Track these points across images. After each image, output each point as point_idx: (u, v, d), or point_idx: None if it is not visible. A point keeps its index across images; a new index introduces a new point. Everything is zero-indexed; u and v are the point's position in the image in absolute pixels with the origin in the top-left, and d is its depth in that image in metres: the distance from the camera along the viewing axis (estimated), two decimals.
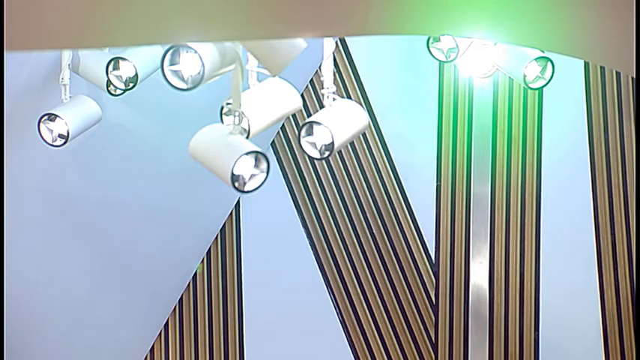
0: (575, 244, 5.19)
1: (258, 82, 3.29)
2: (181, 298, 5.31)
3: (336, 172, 5.21)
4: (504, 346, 5.26)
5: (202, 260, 5.29)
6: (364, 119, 3.48)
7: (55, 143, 3.85)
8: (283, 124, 5.15)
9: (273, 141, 5.19)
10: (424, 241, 5.24)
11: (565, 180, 5.14)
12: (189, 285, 5.30)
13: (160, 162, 4.61)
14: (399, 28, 2.60)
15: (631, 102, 5.04)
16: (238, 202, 5.25)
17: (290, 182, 5.22)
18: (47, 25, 2.19)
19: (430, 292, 5.27)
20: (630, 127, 5.04)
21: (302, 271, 5.30)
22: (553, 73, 3.77)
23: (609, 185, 5.11)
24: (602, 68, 5.01)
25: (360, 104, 4.43)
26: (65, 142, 3.84)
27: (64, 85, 3.89)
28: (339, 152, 5.17)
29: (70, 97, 3.91)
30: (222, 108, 3.14)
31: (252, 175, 2.99)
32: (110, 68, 3.78)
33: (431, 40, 3.81)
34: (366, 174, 5.19)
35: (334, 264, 5.28)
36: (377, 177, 5.19)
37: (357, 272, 5.28)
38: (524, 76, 3.76)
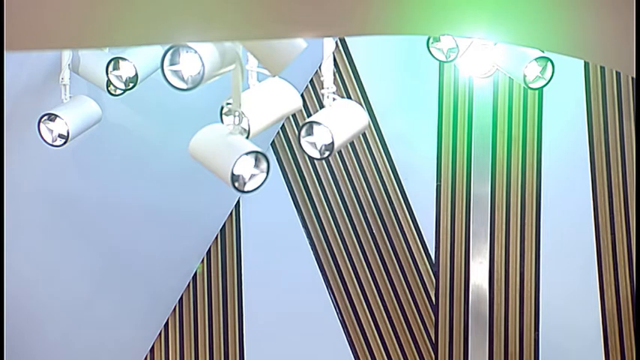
0: (575, 244, 5.19)
1: (258, 82, 3.29)
2: (181, 298, 5.31)
3: (336, 172, 5.21)
4: (504, 346, 5.26)
5: (202, 260, 5.29)
6: (364, 119, 3.48)
7: (55, 143, 3.85)
8: (283, 124, 5.15)
9: (273, 141, 5.19)
10: (424, 241, 5.24)
11: (565, 180, 5.14)
12: (189, 285, 5.30)
13: (159, 162, 4.61)
14: (399, 28, 2.60)
15: (631, 102, 5.04)
16: (238, 202, 5.25)
17: (290, 182, 5.22)
18: (47, 25, 2.19)
19: (430, 292, 5.27)
20: (630, 127, 5.04)
21: (302, 271, 5.30)
22: (553, 73, 3.77)
23: (609, 185, 5.11)
24: (602, 68, 5.01)
25: (360, 104, 4.43)
26: (65, 142, 3.84)
27: (64, 85, 3.89)
28: (339, 152, 5.17)
29: (70, 97, 3.91)
30: (222, 108, 3.14)
31: (252, 175, 2.99)
32: (110, 68, 3.78)
33: (431, 40, 3.81)
34: (366, 174, 5.19)
35: (334, 264, 5.28)
36: (377, 177, 5.19)
37: (357, 272, 5.28)
38: (524, 76, 3.76)
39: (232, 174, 2.93)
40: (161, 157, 4.60)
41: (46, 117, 3.82)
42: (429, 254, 5.24)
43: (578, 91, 5.05)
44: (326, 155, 3.36)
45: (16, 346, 4.47)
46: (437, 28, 2.75)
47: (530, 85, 3.80)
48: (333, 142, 3.32)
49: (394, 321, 5.31)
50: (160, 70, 2.87)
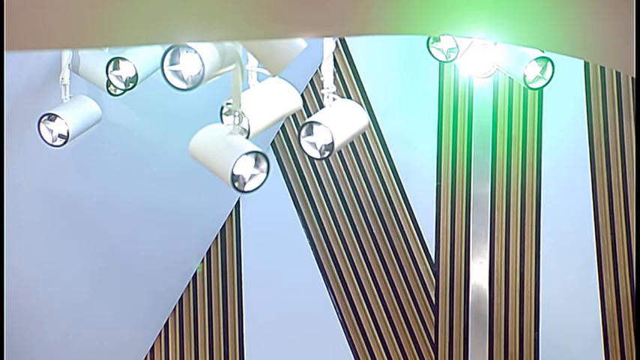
0: (575, 244, 5.19)
1: (258, 82, 3.29)
2: (181, 298, 5.31)
3: (336, 172, 5.21)
4: (504, 346, 5.26)
5: (202, 260, 5.29)
6: (364, 119, 3.48)
7: (55, 143, 3.85)
8: (283, 124, 5.15)
9: (273, 141, 5.19)
10: (424, 241, 5.24)
11: (565, 180, 5.14)
12: (189, 285, 5.30)
13: (160, 162, 4.61)
14: (399, 28, 2.60)
15: (631, 102, 5.04)
16: (238, 202, 5.25)
17: (290, 182, 5.22)
18: (47, 25, 2.19)
19: (430, 292, 5.27)
20: (630, 127, 5.04)
21: (302, 271, 5.30)
22: (553, 73, 3.77)
23: (609, 185, 5.11)
24: (602, 68, 5.01)
25: (360, 104, 4.43)
26: (65, 142, 3.84)
27: (64, 85, 3.89)
28: (339, 152, 5.17)
29: (70, 97, 3.91)
30: (222, 108, 3.14)
31: (252, 175, 2.99)
32: (110, 68, 3.78)
33: (431, 40, 3.81)
34: (366, 174, 5.19)
35: (334, 264, 5.28)
36: (377, 177, 5.19)
37: (357, 272, 5.28)
38: (524, 76, 3.76)
39: (232, 174, 2.93)
40: (161, 157, 4.60)
41: (46, 117, 3.82)
42: (429, 254, 5.24)
43: (578, 91, 5.04)
44: (326, 155, 3.35)
45: (16, 346, 4.47)
46: (437, 28, 2.75)
47: (530, 85, 3.79)
48: (333, 142, 3.32)
49: (394, 321, 5.31)
50: (160, 70, 2.87)
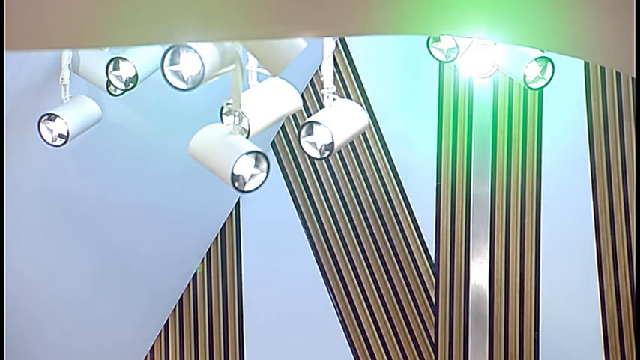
0: (575, 244, 5.19)
1: (258, 82, 3.29)
2: (181, 298, 5.31)
3: (336, 172, 5.21)
4: (504, 346, 5.26)
5: (202, 260, 5.29)
6: (364, 119, 3.48)
7: (55, 143, 3.85)
8: (283, 124, 5.15)
9: (273, 141, 5.19)
10: (424, 241, 5.24)
11: (565, 180, 5.14)
12: (189, 285, 5.30)
13: (160, 162, 4.61)
14: (399, 28, 2.60)
15: (631, 102, 5.04)
16: (238, 202, 5.25)
17: (290, 182, 5.22)
18: (47, 25, 2.19)
19: (430, 292, 5.27)
20: (630, 127, 5.04)
21: (302, 271, 5.30)
22: (553, 73, 3.77)
23: (609, 185, 5.11)
24: (602, 68, 5.01)
25: (360, 104, 4.43)
26: (65, 142, 3.84)
27: (64, 85, 3.89)
28: (339, 152, 5.17)
29: (70, 97, 3.91)
30: (222, 108, 3.14)
31: (252, 175, 2.99)
32: (110, 68, 3.78)
33: (431, 40, 3.81)
34: (366, 174, 5.19)
35: (334, 264, 5.28)
36: (377, 177, 5.19)
37: (357, 272, 5.28)
38: (524, 76, 3.76)
39: (232, 174, 2.93)
40: (161, 157, 4.60)
41: (46, 117, 3.82)
42: (429, 254, 5.24)
43: (578, 91, 5.04)
44: (326, 155, 3.35)
45: (16, 346, 4.47)
46: (437, 28, 2.75)
47: (530, 85, 3.79)
48: (333, 142, 3.32)
49: (394, 321, 5.31)
50: (160, 70, 2.87)
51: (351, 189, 5.21)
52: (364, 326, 5.32)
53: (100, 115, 3.97)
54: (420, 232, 5.23)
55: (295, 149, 5.18)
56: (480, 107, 5.09)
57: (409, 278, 5.27)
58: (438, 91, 5.10)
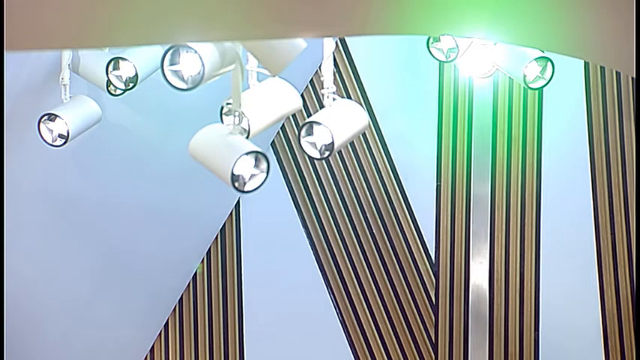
0: (575, 244, 5.19)
1: (258, 82, 3.29)
2: (181, 298, 5.31)
3: (336, 172, 5.21)
4: (504, 346, 5.26)
5: (202, 260, 5.29)
6: (364, 119, 3.48)
7: (55, 143, 3.85)
8: (283, 124, 5.15)
9: (273, 141, 5.19)
10: (424, 241, 5.24)
11: (565, 180, 5.14)
12: (189, 285, 5.30)
13: (160, 162, 4.61)
14: (399, 28, 2.60)
15: (631, 102, 5.04)
16: (238, 202, 5.25)
17: (290, 182, 5.22)
18: (47, 25, 2.19)
19: (430, 292, 5.27)
20: (630, 127, 5.04)
21: (302, 271, 5.30)
22: (553, 73, 3.77)
23: (609, 185, 5.11)
24: (602, 68, 5.01)
25: (360, 104, 4.43)
26: (65, 142, 3.84)
27: (64, 85, 3.89)
28: (339, 152, 5.16)
29: (70, 97, 3.91)
30: (222, 108, 3.14)
31: (252, 175, 2.99)
32: (110, 68, 3.78)
33: (431, 40, 3.81)
34: (366, 174, 5.19)
35: (334, 264, 5.28)
36: (377, 177, 5.19)
37: (357, 272, 5.28)
38: (524, 76, 3.76)
39: (232, 174, 2.93)
40: (161, 157, 4.60)
41: (46, 117, 3.82)
42: (429, 254, 5.24)
43: (578, 91, 5.04)
44: (326, 155, 3.35)
45: (16, 346, 4.47)
46: (437, 28, 2.75)
47: (530, 85, 3.79)
48: (333, 142, 3.32)
49: (394, 321, 5.31)
50: (160, 70, 2.87)
51: (351, 189, 5.21)
52: (364, 326, 5.32)
53: (100, 115, 3.97)
54: (420, 232, 5.23)
55: (295, 149, 5.18)
56: (479, 107, 5.09)
57: (409, 278, 5.27)
58: (438, 91, 5.10)
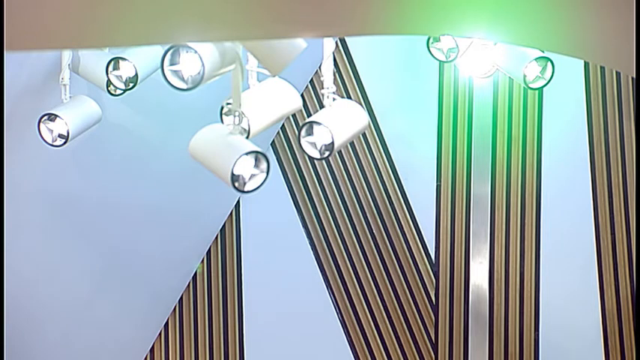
0: (575, 244, 5.19)
1: (258, 82, 3.29)
2: (181, 298, 5.31)
3: (336, 172, 5.21)
4: (504, 346, 5.26)
5: (202, 260, 5.29)
6: (364, 119, 3.48)
7: (55, 143, 3.85)
8: (283, 124, 5.15)
9: (273, 141, 5.19)
10: (424, 241, 5.24)
11: (565, 180, 5.14)
12: (189, 285, 5.30)
13: (160, 162, 4.61)
14: (399, 28, 2.60)
15: (631, 102, 5.04)
16: (238, 202, 5.25)
17: (290, 182, 5.22)
18: (47, 25, 2.19)
19: (430, 292, 5.27)
20: (630, 127, 5.04)
21: (302, 271, 5.30)
22: (553, 73, 3.77)
23: (609, 185, 5.11)
24: (602, 68, 5.01)
25: (360, 104, 4.43)
26: (65, 142, 3.84)
27: (64, 85, 3.89)
28: (339, 152, 5.17)
29: (70, 97, 3.91)
30: (222, 108, 3.14)
31: (252, 175, 2.99)
32: (110, 68, 3.78)
33: (431, 40, 3.81)
34: (366, 174, 5.19)
35: (334, 264, 5.28)
36: (377, 177, 5.19)
37: (357, 272, 5.28)
38: (524, 76, 3.76)
39: (232, 174, 2.93)
40: (161, 157, 4.60)
41: (46, 117, 3.82)
42: (429, 254, 5.24)
43: (578, 91, 5.04)
44: (326, 155, 3.35)
45: (16, 346, 4.47)
46: (437, 28, 2.75)
47: (530, 85, 3.79)
48: (333, 142, 3.32)
49: (394, 321, 5.31)
50: (160, 70, 2.87)
51: (351, 189, 5.21)
52: (364, 326, 5.32)
53: (100, 115, 3.97)
54: (420, 232, 5.23)
55: (295, 149, 5.18)
56: (479, 107, 5.09)
57: (409, 278, 5.27)
58: (438, 91, 5.10)
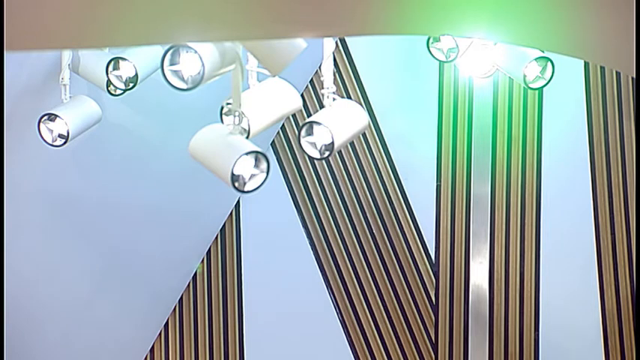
0: (575, 244, 5.19)
1: (258, 82, 3.29)
2: (181, 298, 5.31)
3: (336, 172, 5.21)
4: (504, 346, 5.26)
5: (202, 260, 5.29)
6: (364, 119, 3.48)
7: (55, 143, 3.85)
8: (283, 124, 5.15)
9: (273, 141, 5.19)
10: (424, 241, 5.24)
11: (565, 180, 5.14)
12: (189, 285, 5.30)
13: (160, 162, 4.61)
14: (399, 28, 2.60)
15: (631, 102, 5.04)
16: (238, 202, 5.25)
17: (290, 182, 5.22)
18: (47, 25, 2.19)
19: (430, 292, 5.27)
20: (630, 127, 5.04)
21: (302, 271, 5.30)
22: (553, 73, 3.77)
23: (609, 185, 5.11)
24: (602, 68, 5.01)
25: (360, 104, 4.43)
26: (65, 142, 3.84)
27: (64, 85, 3.89)
28: (339, 152, 5.17)
29: (70, 97, 3.91)
30: (222, 108, 3.14)
31: (252, 175, 2.99)
32: (110, 68, 3.78)
33: (431, 40, 3.81)
34: (366, 174, 5.19)
35: (334, 264, 5.28)
36: (377, 177, 5.19)
37: (357, 272, 5.28)
38: (524, 76, 3.76)
39: (232, 174, 2.93)
40: (161, 157, 4.60)
41: (46, 117, 3.82)
42: (429, 254, 5.24)
43: (578, 91, 5.04)
44: (326, 155, 3.35)
45: (16, 346, 4.47)
46: (437, 28, 2.75)
47: (530, 85, 3.79)
48: (333, 142, 3.32)
49: (394, 321, 5.31)
50: (160, 70, 2.87)
51: (351, 189, 5.21)
52: (364, 326, 5.32)
53: (100, 115, 3.97)
54: (420, 232, 5.23)
55: (295, 149, 5.18)
56: (480, 107, 5.09)
57: (409, 278, 5.27)
58: (438, 91, 5.10)
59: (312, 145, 3.35)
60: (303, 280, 5.31)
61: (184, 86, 2.87)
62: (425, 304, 5.28)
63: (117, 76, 3.80)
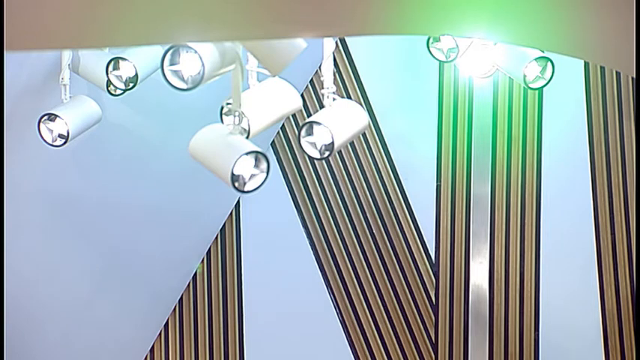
0: (575, 244, 5.19)
1: (258, 82, 3.29)
2: (181, 298, 5.31)
3: (336, 172, 5.21)
4: (504, 346, 5.26)
5: (202, 260, 5.29)
6: (364, 119, 3.48)
7: (55, 143, 3.85)
8: (283, 124, 5.15)
9: (273, 141, 5.19)
10: (424, 241, 5.24)
11: (565, 180, 5.14)
12: (189, 285, 5.30)
13: (160, 162, 4.61)
14: (399, 28, 2.60)
15: (631, 102, 5.04)
16: (238, 202, 5.25)
17: (290, 182, 5.22)
18: (47, 25, 2.19)
19: (430, 292, 5.27)
20: (630, 127, 5.04)
21: (302, 271, 5.30)
22: (553, 73, 3.77)
23: (609, 185, 5.11)
24: (602, 68, 5.01)
25: (360, 104, 4.43)
26: (65, 142, 3.84)
27: (64, 85, 3.89)
28: (339, 152, 5.17)
29: (70, 97, 3.91)
30: (222, 108, 3.14)
31: (252, 175, 2.99)
32: (110, 68, 3.78)
33: (431, 40, 3.81)
34: (366, 174, 5.19)
35: (334, 264, 5.28)
36: (377, 177, 5.19)
37: (357, 272, 5.28)
38: (524, 76, 3.76)
39: (232, 174, 2.93)
40: (161, 157, 4.60)
41: (46, 117, 3.82)
42: (429, 254, 5.24)
43: (578, 91, 5.04)
44: (326, 155, 3.35)
45: (16, 346, 4.47)
46: (437, 28, 2.75)
47: (530, 85, 3.79)
48: (333, 142, 3.32)
49: (394, 321, 5.31)
50: (160, 70, 2.87)
51: (351, 189, 5.21)
52: (364, 326, 5.32)
53: (100, 115, 3.97)
54: (420, 232, 5.23)
55: (295, 149, 5.18)
56: (480, 107, 5.09)
57: (409, 278, 5.27)
58: (438, 91, 5.10)
59: (312, 145, 3.35)
60: (303, 280, 5.31)
61: (184, 86, 2.87)
62: (425, 304, 5.28)
63: (117, 76, 3.80)
